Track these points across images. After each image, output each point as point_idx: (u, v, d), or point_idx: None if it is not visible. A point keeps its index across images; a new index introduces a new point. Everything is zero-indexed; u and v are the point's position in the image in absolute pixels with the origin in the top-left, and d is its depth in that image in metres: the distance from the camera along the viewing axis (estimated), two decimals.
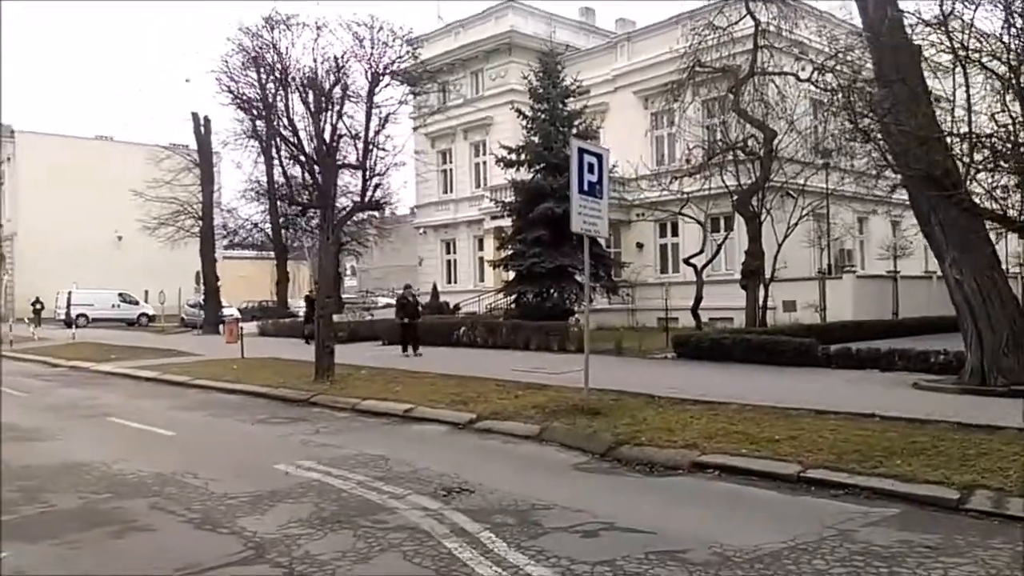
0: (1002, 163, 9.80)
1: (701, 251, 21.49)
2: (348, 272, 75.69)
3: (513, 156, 25.12)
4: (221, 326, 26.70)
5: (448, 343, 22.23)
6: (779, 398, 10.75)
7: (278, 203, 33.87)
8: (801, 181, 21.58)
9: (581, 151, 10.50)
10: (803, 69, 20.60)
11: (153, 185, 37.16)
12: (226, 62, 16.57)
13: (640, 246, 29.22)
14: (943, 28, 9.41)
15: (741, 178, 20.75)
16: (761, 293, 20.52)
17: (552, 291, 23.66)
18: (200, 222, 36.25)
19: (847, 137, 13.86)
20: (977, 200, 10.73)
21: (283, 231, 38.66)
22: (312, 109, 15.35)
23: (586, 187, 10.43)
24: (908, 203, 12.10)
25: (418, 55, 18.98)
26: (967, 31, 9.48)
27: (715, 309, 24.08)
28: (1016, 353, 10.86)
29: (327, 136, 15.49)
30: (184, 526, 6.05)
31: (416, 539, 5.53)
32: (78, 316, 41.19)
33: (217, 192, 38.10)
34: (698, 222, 21.91)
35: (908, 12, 10.16)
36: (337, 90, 15.87)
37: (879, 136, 10.70)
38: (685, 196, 21.82)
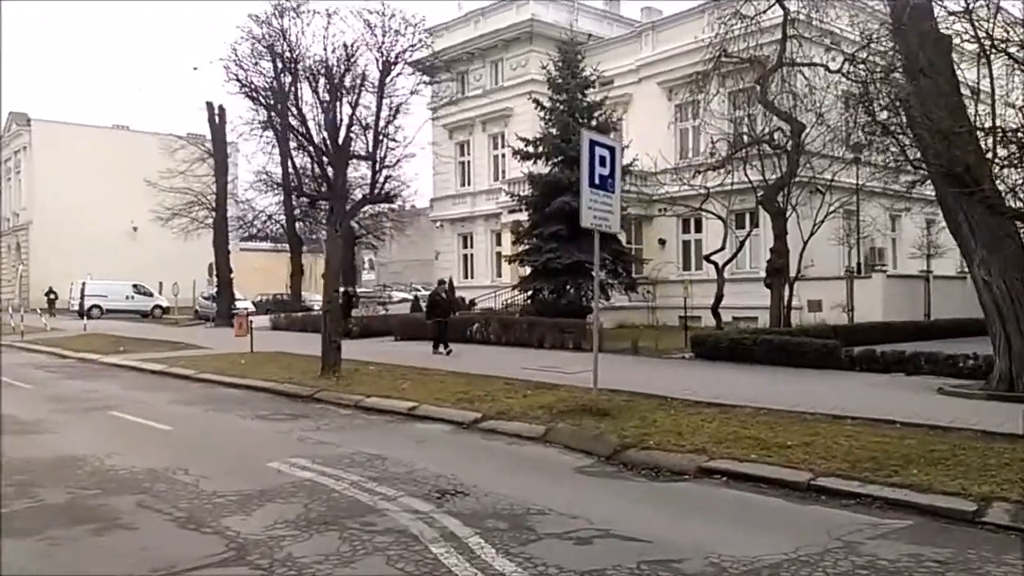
0: None
1: (723, 248, 21.29)
2: (366, 266, 76.12)
3: (530, 148, 25.07)
4: (234, 319, 26.94)
5: (462, 339, 22.18)
6: (796, 402, 10.63)
7: (292, 195, 34.02)
8: (829, 176, 21.32)
9: (593, 143, 10.43)
10: (833, 60, 20.29)
11: (167, 175, 37.55)
12: (235, 50, 16.63)
13: (662, 242, 29.04)
14: (967, 16, 9.16)
15: (766, 173, 20.53)
16: (786, 292, 20.28)
17: (569, 288, 23.59)
18: (214, 213, 36.51)
19: (866, 131, 13.59)
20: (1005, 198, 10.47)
21: (298, 223, 38.78)
22: (321, 98, 15.34)
23: (597, 180, 10.36)
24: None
25: (431, 44, 18.92)
26: (993, 20, 9.23)
27: (738, 308, 23.86)
28: None
29: (336, 126, 15.48)
30: (168, 524, 6.06)
31: (402, 543, 5.48)
32: (91, 307, 41.70)
33: (231, 183, 38.37)
34: (720, 218, 21.71)
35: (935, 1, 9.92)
36: (348, 79, 15.87)
37: (898, 130, 10.47)
38: (708, 191, 21.62)
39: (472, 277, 36.35)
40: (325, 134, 15.62)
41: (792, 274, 20.62)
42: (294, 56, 15.83)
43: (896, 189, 22.11)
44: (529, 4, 33.36)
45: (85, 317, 36.53)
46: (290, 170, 33.02)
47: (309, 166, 19.14)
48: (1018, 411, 9.66)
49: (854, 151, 21.63)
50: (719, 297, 21.03)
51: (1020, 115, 9.31)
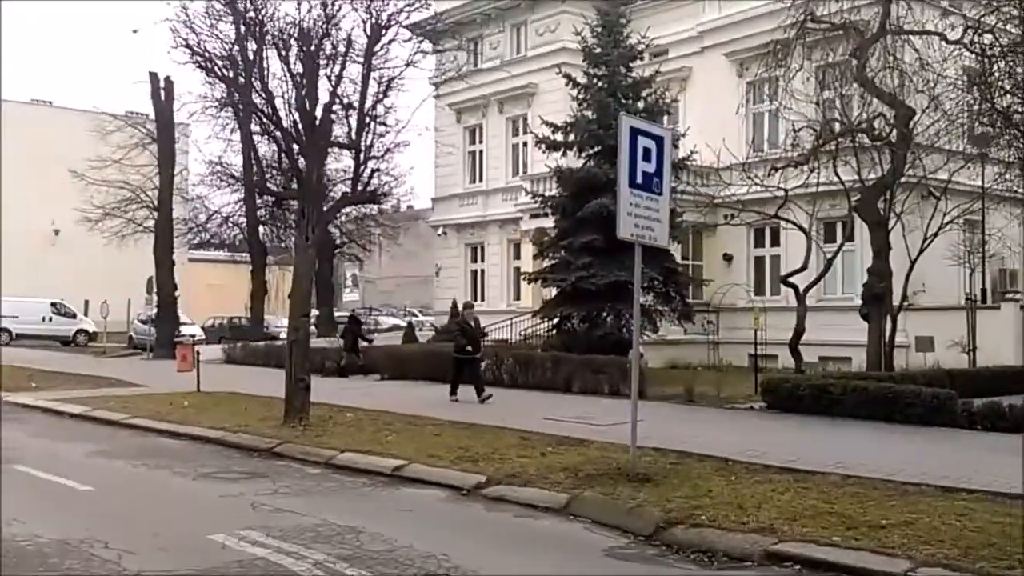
0: None
1: (805, 267, 21.21)
2: (348, 283, 76.68)
3: (559, 136, 25.16)
4: (177, 349, 27.20)
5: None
6: (895, 468, 10.57)
7: (254, 192, 34.42)
8: (945, 176, 21.22)
9: (635, 132, 10.47)
10: (952, 28, 20.30)
11: (98, 165, 38.08)
12: (184, 8, 16.88)
13: (727, 258, 28.96)
14: None
15: (864, 171, 20.48)
16: (888, 325, 20.18)
17: (605, 315, 23.57)
18: (156, 213, 36.95)
19: (985, 121, 13.56)
20: None
21: (261, 228, 39.27)
22: (293, 70, 15.54)
23: (640, 179, 10.39)
24: None
25: (434, 1, 19.13)
26: None
27: (826, 345, 23.69)
28: None
29: (312, 105, 15.65)
30: None
31: None
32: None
33: (179, 175, 38.87)
34: (803, 229, 21.65)
35: None
36: (328, 46, 16.07)
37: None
38: (788, 193, 21.59)
39: (483, 300, 36.37)
40: (297, 116, 15.79)
41: (896, 302, 20.47)
42: (260, 16, 16.08)
43: None
44: None
45: None
46: (252, 161, 33.71)
47: (276, 156, 19.36)
48: None
49: (978, 145, 21.54)
50: (800, 331, 20.92)
51: None
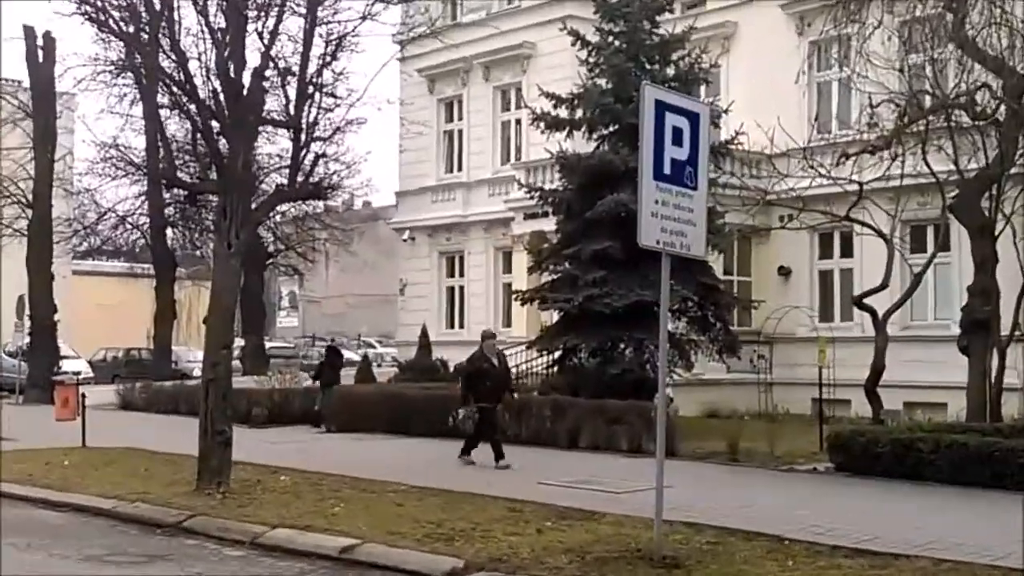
0: None
1: (885, 285, 21.25)
2: (284, 304, 76.64)
3: (563, 112, 25.17)
4: (56, 391, 27.07)
5: (440, 432, 22.18)
6: (1004, 549, 10.51)
7: (161, 184, 34.38)
8: None
9: (661, 106, 10.46)
10: None
11: None
12: None
13: (784, 272, 29.03)
14: None
15: (962, 159, 20.53)
16: (994, 361, 20.17)
17: (623, 347, 23.52)
18: (29, 211, 36.84)
19: None
20: None
21: (170, 230, 39.21)
22: (212, 24, 15.51)
23: (668, 169, 10.40)
24: None
25: None
26: None
27: (914, 387, 23.72)
28: None
29: (237, 71, 15.65)
30: None
31: None
32: None
33: (60, 161, 38.76)
34: (881, 235, 21.71)
35: None
36: None
37: None
38: (863, 187, 21.65)
39: (463, 326, 36.42)
40: (218, 84, 15.79)
41: (1005, 331, 20.47)
42: None
43: None
44: None
45: None
46: (159, 143, 33.66)
47: (190, 137, 19.29)
48: None
49: None
50: (879, 368, 20.94)
51: None
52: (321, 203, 38.58)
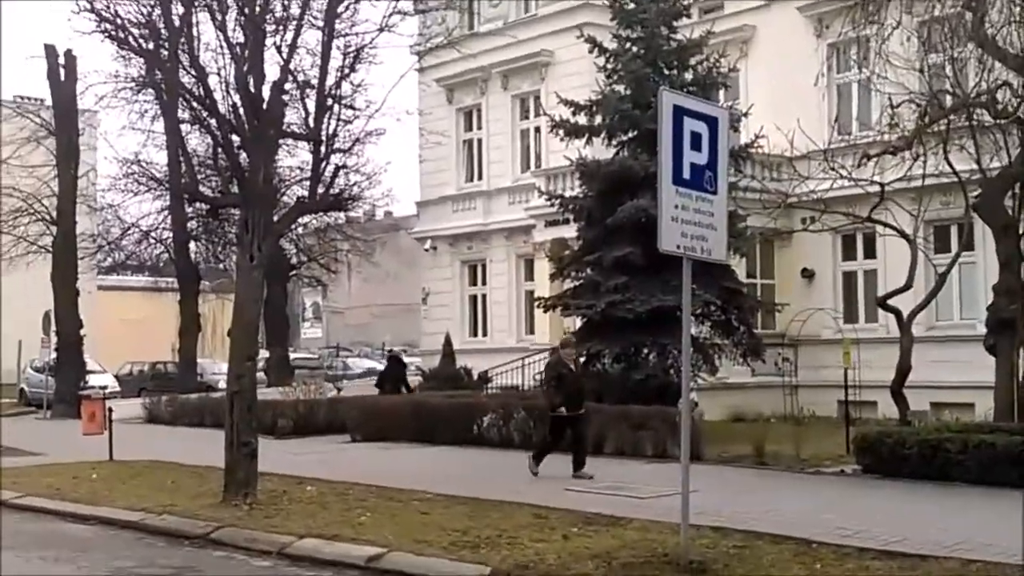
0: None
1: (909, 285, 21.15)
2: (308, 315, 76.85)
3: (582, 119, 25.16)
4: (83, 405, 27.24)
5: (465, 440, 22.30)
6: None
7: (183, 199, 34.52)
8: None
9: (679, 111, 10.45)
10: None
11: None
12: None
13: (807, 275, 28.96)
14: None
15: (985, 158, 20.44)
16: (1022, 360, 20.06)
17: (647, 352, 23.48)
18: (54, 228, 37.04)
19: None
20: None
21: (193, 245, 39.36)
22: (231, 39, 15.55)
23: (688, 174, 10.40)
24: None
25: None
26: None
27: (940, 387, 23.66)
28: None
29: (257, 85, 15.68)
30: None
31: None
32: None
33: (84, 177, 39.02)
34: (905, 235, 21.61)
35: None
36: (278, 6, 16.10)
37: None
38: (884, 188, 21.57)
39: (486, 334, 36.46)
40: (237, 98, 15.82)
41: None
42: None
43: None
44: None
45: None
46: (180, 158, 33.65)
47: (211, 151, 19.35)
48: None
49: None
50: (905, 369, 20.81)
51: None
52: (342, 214, 38.72)
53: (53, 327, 36.77)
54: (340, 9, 16.45)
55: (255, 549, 12.27)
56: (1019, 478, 14.79)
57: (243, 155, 16.04)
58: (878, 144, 21.79)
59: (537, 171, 32.92)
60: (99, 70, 46.00)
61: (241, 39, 15.71)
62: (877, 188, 21.50)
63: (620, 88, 24.84)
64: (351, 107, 17.20)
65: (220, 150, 16.78)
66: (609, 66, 25.12)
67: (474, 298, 37.45)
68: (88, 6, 16.14)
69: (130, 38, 16.98)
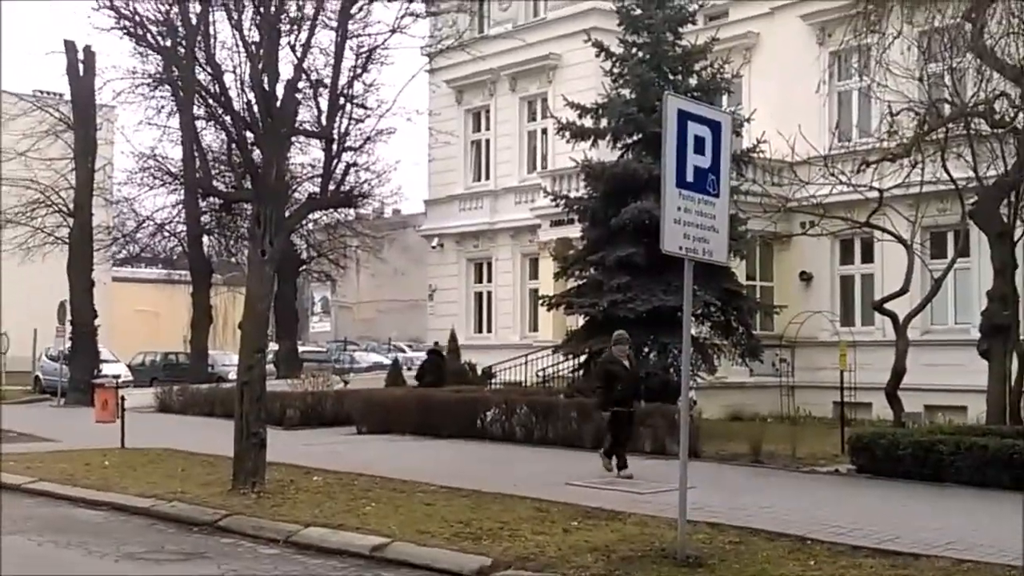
0: None
1: (905, 290, 21.17)
2: (317, 309, 76.79)
3: (588, 121, 25.22)
4: (96, 393, 27.40)
5: (469, 434, 22.39)
6: None
7: (197, 193, 34.62)
8: None
9: (684, 116, 10.54)
10: None
11: None
12: None
13: (806, 278, 28.99)
14: None
15: (982, 166, 20.45)
16: (1015, 365, 20.08)
17: (648, 351, 23.49)
18: (71, 220, 37.10)
19: None
20: None
21: (206, 238, 39.40)
22: (247, 38, 15.59)
23: (691, 177, 10.48)
24: None
25: None
26: None
27: (934, 390, 23.66)
28: None
29: (271, 84, 15.71)
30: None
31: None
32: None
33: (101, 171, 39.06)
34: (902, 240, 21.62)
35: None
36: (292, 6, 16.13)
37: None
38: (883, 194, 21.58)
39: (491, 330, 36.52)
40: (252, 96, 15.86)
41: None
42: None
43: None
44: None
45: None
46: (195, 153, 33.86)
47: (225, 147, 19.40)
48: None
49: None
50: (900, 372, 20.84)
51: None
52: (352, 211, 38.92)
53: (68, 317, 36.94)
54: (353, 10, 16.51)
55: (262, 537, 12.33)
56: (1010, 480, 14.87)
57: (256, 152, 16.10)
58: (877, 151, 21.80)
59: (543, 172, 33.02)
60: (117, 66, 46.07)
61: (256, 38, 15.76)
62: (876, 194, 21.51)
63: (626, 92, 24.92)
64: (363, 106, 17.30)
65: (234, 146, 16.85)
66: (615, 70, 25.21)
67: (479, 295, 37.51)
68: (108, 3, 16.18)
69: (148, 35, 17.07)
